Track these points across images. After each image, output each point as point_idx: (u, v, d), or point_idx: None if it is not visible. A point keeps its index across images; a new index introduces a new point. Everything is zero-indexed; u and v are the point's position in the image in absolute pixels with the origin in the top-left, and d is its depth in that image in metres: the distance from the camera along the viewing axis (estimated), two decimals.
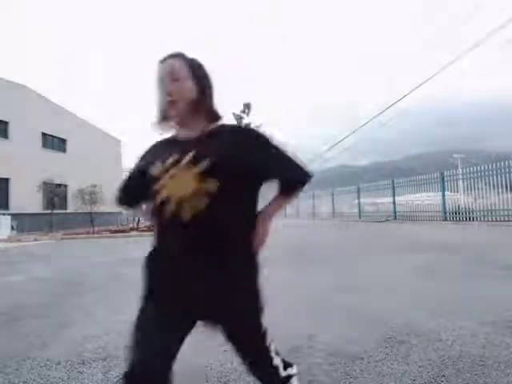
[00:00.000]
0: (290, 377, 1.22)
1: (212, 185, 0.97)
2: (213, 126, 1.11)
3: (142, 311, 1.05)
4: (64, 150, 22.31)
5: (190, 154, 1.00)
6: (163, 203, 1.00)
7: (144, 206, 1.25)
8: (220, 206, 0.97)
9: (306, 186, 1.13)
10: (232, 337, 1.09)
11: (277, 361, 1.17)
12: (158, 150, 1.13)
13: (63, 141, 22.27)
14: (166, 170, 1.01)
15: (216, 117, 1.13)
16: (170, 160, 1.02)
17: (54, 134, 21.31)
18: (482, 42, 13.41)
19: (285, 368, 1.20)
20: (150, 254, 1.07)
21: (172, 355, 0.99)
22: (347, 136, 25.93)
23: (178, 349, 1.01)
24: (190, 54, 1.14)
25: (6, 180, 17.78)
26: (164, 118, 1.12)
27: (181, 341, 1.02)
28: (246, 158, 1.02)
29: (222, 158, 0.99)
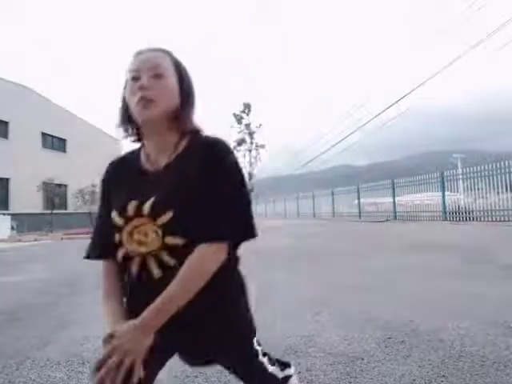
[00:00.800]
0: (287, 378, 1.16)
1: (178, 241, 0.81)
2: (187, 141, 0.91)
3: None
4: (64, 150, 22.32)
5: (150, 202, 0.83)
6: (126, 260, 0.88)
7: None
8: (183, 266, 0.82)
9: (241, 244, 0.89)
10: (227, 367, 1.03)
11: (272, 368, 1.08)
12: (120, 179, 0.95)
13: (63, 141, 22.28)
14: (126, 220, 0.85)
15: (193, 132, 0.92)
16: (131, 206, 0.85)
17: (54, 134, 21.32)
18: (481, 41, 13.42)
19: (282, 369, 1.14)
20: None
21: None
22: (347, 136, 25.95)
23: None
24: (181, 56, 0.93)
25: (6, 180, 17.79)
26: (130, 122, 0.92)
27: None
28: (213, 201, 0.83)
29: (185, 208, 0.81)
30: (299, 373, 1.77)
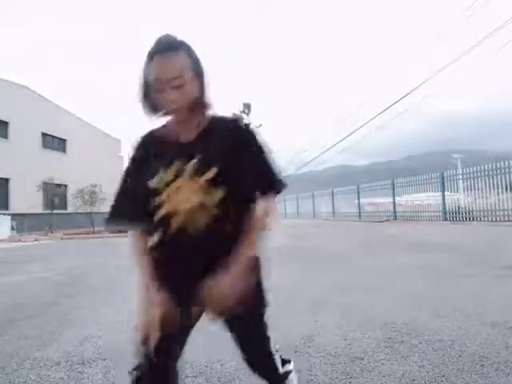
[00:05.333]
0: (287, 373, 1.22)
1: (219, 195, 0.94)
2: (207, 119, 1.05)
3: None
4: (64, 150, 22.33)
5: (194, 162, 0.95)
6: (166, 218, 0.95)
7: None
8: (228, 217, 0.95)
9: (277, 196, 1.04)
10: (237, 331, 1.10)
11: (276, 357, 1.16)
12: (152, 152, 1.03)
13: (63, 141, 22.29)
14: (167, 184, 0.95)
15: (208, 107, 1.05)
16: (172, 170, 0.96)
17: (54, 134, 21.33)
18: (481, 41, 13.42)
19: (282, 365, 1.20)
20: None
21: (182, 343, 1.05)
22: (347, 136, 25.95)
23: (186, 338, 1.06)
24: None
25: (6, 180, 17.80)
26: (158, 112, 1.03)
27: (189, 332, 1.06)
28: (245, 161, 0.99)
29: (226, 164, 0.95)
30: (299, 372, 1.77)
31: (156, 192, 0.96)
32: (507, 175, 11.80)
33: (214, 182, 0.94)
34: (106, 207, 19.81)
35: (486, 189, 12.71)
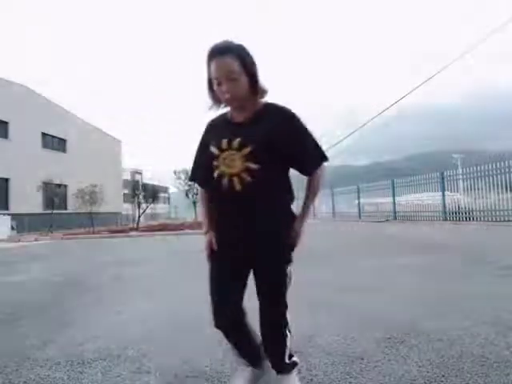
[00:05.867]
0: (295, 364, 1.54)
1: (254, 165, 1.26)
2: (260, 105, 1.35)
3: (211, 269, 1.44)
4: (64, 150, 22.33)
5: (238, 140, 1.28)
6: (219, 177, 1.31)
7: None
8: (261, 181, 1.27)
9: (324, 168, 1.43)
10: (261, 282, 1.43)
11: (288, 342, 1.49)
12: (216, 129, 1.41)
13: (63, 141, 22.29)
14: (221, 151, 1.31)
15: (263, 94, 1.35)
16: (224, 143, 1.31)
17: (54, 134, 21.33)
18: (481, 41, 13.41)
19: (289, 357, 1.51)
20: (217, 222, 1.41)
21: (240, 297, 1.42)
22: (347, 136, 25.94)
23: (243, 291, 1.43)
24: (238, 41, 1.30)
25: (6, 180, 17.80)
26: (220, 103, 1.37)
27: (244, 286, 1.43)
28: (284, 145, 1.30)
29: (261, 145, 1.27)
30: (299, 373, 1.77)
31: (214, 156, 1.33)
32: (507, 175, 11.80)
33: (250, 157, 1.26)
34: (106, 207, 19.85)
35: (486, 189, 12.71)
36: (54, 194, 18.73)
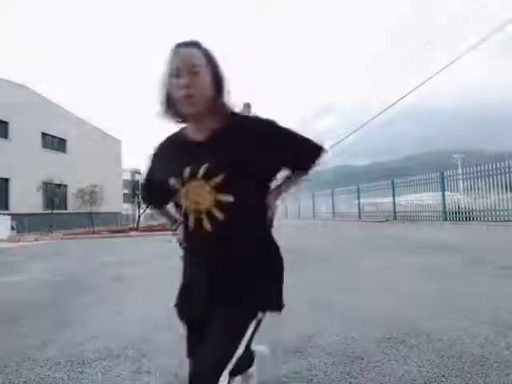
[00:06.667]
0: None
1: (227, 198, 0.99)
2: (224, 118, 1.07)
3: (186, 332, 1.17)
4: (64, 150, 22.32)
5: (204, 167, 1.00)
6: (185, 214, 1.05)
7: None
8: (236, 217, 1.01)
9: (319, 163, 1.16)
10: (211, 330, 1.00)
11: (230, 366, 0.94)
12: (170, 154, 1.12)
13: (63, 141, 22.28)
14: (183, 184, 1.03)
15: (227, 112, 1.07)
16: (186, 173, 1.02)
17: (54, 134, 21.32)
18: (482, 41, 13.41)
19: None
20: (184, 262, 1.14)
21: None
22: (347, 136, 25.94)
23: None
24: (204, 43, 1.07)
25: (6, 180, 17.79)
26: (175, 113, 1.07)
27: None
28: (261, 160, 1.03)
29: (237, 169, 0.99)
30: (299, 373, 1.77)
31: (175, 189, 1.05)
32: (507, 175, 11.80)
33: (222, 187, 0.99)
34: (106, 207, 19.84)
35: (486, 189, 12.71)
36: (53, 194, 18.73)
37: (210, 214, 1.00)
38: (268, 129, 1.06)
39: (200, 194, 1.01)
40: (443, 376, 1.67)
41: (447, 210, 14.16)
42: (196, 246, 1.07)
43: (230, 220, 1.00)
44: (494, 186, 12.35)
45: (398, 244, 7.21)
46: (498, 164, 12.25)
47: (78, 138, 22.88)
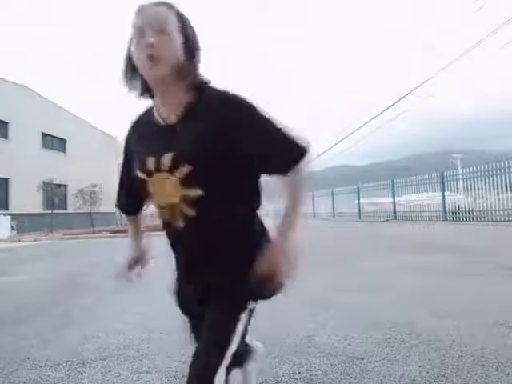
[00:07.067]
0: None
1: (196, 192, 0.87)
2: (195, 94, 0.91)
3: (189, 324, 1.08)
4: (64, 150, 22.30)
5: (169, 156, 0.87)
6: (159, 208, 0.96)
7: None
8: (208, 212, 0.89)
9: (305, 164, 0.90)
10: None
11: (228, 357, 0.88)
12: (141, 137, 0.99)
13: (63, 141, 22.26)
14: (149, 175, 0.92)
15: (201, 86, 0.92)
16: (150, 162, 0.90)
17: (54, 134, 21.31)
18: (481, 41, 13.42)
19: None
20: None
21: None
22: (347, 136, 25.95)
23: None
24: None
25: (6, 180, 17.78)
26: (140, 83, 0.93)
27: None
28: (236, 147, 0.87)
29: (205, 159, 0.86)
30: (299, 373, 1.77)
31: (142, 182, 0.94)
32: (507, 175, 11.80)
33: (188, 181, 0.86)
34: (106, 207, 19.81)
35: (486, 189, 12.71)
36: (53, 194, 18.71)
37: (179, 210, 0.89)
38: (245, 117, 0.87)
39: (166, 188, 0.89)
40: (443, 376, 1.67)
41: (447, 209, 14.17)
42: (172, 242, 1.00)
43: (202, 216, 0.89)
44: (494, 185, 12.35)
45: (398, 244, 7.21)
46: (498, 164, 12.25)
47: (78, 137, 22.87)
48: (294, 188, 0.91)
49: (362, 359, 1.89)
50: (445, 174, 14.57)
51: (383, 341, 2.13)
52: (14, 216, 16.53)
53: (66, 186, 20.48)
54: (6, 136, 18.07)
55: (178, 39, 0.86)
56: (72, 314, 3.06)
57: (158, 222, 1.00)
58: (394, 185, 17.49)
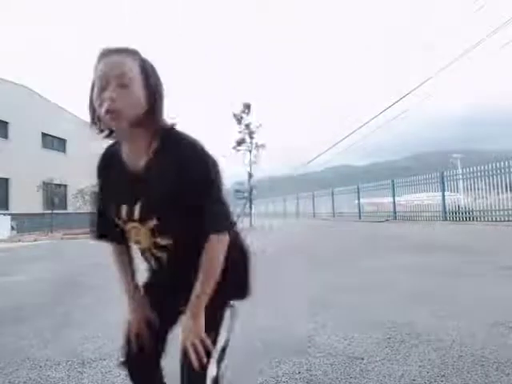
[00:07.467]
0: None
1: (164, 241, 0.97)
2: (160, 143, 0.94)
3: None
4: (64, 150, 22.30)
5: (138, 208, 0.94)
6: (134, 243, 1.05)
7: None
8: (178, 254, 1.00)
9: (222, 237, 0.96)
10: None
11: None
12: (110, 180, 1.02)
13: (63, 141, 22.26)
14: (124, 222, 0.99)
15: (166, 132, 0.95)
16: (123, 211, 0.97)
17: (54, 134, 21.30)
18: (481, 41, 13.41)
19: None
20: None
21: (163, 341, 1.10)
22: (347, 136, 25.95)
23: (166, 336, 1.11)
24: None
25: (6, 180, 17.78)
26: (104, 128, 0.96)
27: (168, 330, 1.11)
28: (190, 201, 0.93)
29: (168, 214, 0.93)
30: (299, 373, 1.77)
31: (118, 226, 1.02)
32: (507, 175, 11.80)
33: (157, 231, 0.95)
34: None
35: (486, 189, 12.70)
36: (53, 194, 18.71)
37: (152, 253, 1.01)
38: (198, 179, 0.91)
39: (139, 235, 0.99)
40: (443, 376, 1.67)
41: (447, 209, 14.16)
42: (149, 269, 1.11)
43: (172, 258, 1.00)
44: (493, 185, 12.35)
45: (398, 244, 7.21)
46: (498, 164, 12.25)
47: (78, 138, 22.85)
48: (206, 261, 0.95)
49: (362, 359, 1.89)
50: (445, 173, 14.57)
51: (383, 341, 2.13)
52: (14, 216, 16.53)
53: (65, 186, 20.47)
54: (6, 136, 18.07)
55: (138, 91, 0.88)
56: (72, 314, 3.06)
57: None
58: (393, 185, 17.49)
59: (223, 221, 0.96)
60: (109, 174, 1.03)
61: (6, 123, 18.10)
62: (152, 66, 0.93)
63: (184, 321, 0.97)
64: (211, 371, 0.94)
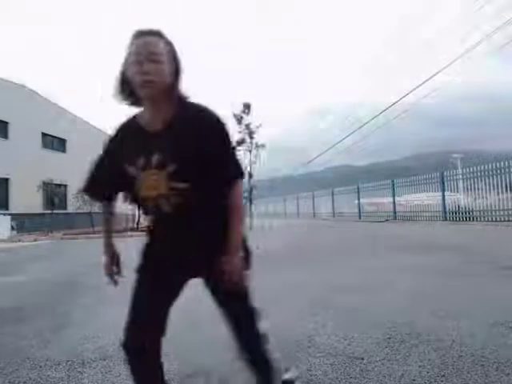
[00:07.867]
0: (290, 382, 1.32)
1: (181, 185, 1.09)
2: (178, 107, 1.13)
3: (137, 282, 1.29)
4: (64, 150, 22.29)
5: (156, 157, 1.09)
6: (144, 200, 1.15)
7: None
8: (193, 200, 1.10)
9: (240, 182, 1.16)
10: (215, 291, 1.21)
11: (269, 347, 1.24)
12: (128, 140, 1.17)
13: (63, 141, 22.25)
14: (139, 171, 1.12)
15: (183, 100, 1.15)
16: (141, 162, 1.11)
17: (54, 134, 21.30)
18: (481, 41, 13.41)
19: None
20: (147, 240, 1.25)
21: (162, 317, 1.20)
22: (347, 136, 25.94)
23: (167, 311, 1.20)
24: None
25: (6, 180, 17.78)
26: (132, 96, 1.13)
27: (169, 303, 1.21)
28: (206, 155, 1.10)
29: (187, 161, 1.08)
30: (299, 373, 1.77)
31: (131, 177, 1.14)
32: (507, 175, 11.79)
33: (175, 176, 1.08)
34: None
35: (485, 189, 12.70)
36: (54, 194, 18.71)
37: (167, 199, 1.10)
38: (214, 134, 1.11)
39: (155, 181, 1.10)
40: (443, 376, 1.67)
41: (447, 209, 14.17)
42: (157, 225, 1.20)
43: (187, 203, 1.10)
44: (493, 185, 12.35)
45: (398, 244, 7.21)
46: (498, 164, 12.25)
47: (78, 138, 22.85)
48: (235, 198, 1.14)
49: (362, 359, 1.89)
50: (445, 174, 14.57)
51: (383, 341, 2.13)
52: (14, 216, 16.52)
53: (65, 186, 20.47)
54: (6, 136, 18.06)
55: (166, 65, 1.08)
56: (72, 313, 3.06)
57: (136, 212, 1.17)
58: (394, 185, 17.49)
59: (241, 169, 1.16)
60: (125, 135, 1.19)
61: (6, 123, 18.09)
62: (175, 49, 1.13)
63: (223, 259, 1.10)
64: (265, 324, 1.21)
